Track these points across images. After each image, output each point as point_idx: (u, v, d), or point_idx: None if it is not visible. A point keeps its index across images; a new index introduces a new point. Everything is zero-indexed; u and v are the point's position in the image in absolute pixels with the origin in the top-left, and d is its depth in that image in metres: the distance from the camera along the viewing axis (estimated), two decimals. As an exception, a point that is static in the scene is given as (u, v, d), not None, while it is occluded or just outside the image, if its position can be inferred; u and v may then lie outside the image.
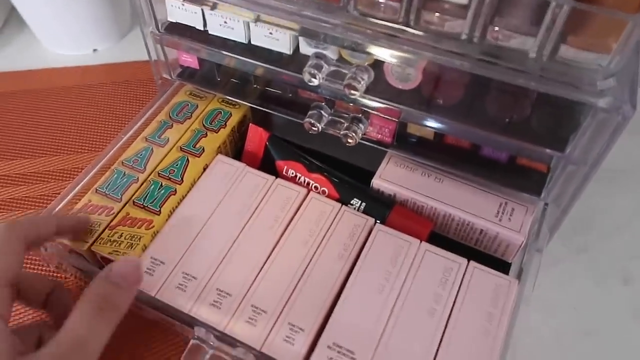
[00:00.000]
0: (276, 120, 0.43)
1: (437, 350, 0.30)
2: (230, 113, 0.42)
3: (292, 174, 0.39)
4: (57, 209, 0.35)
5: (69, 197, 0.36)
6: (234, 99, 0.42)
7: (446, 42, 0.30)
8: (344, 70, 0.33)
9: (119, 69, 0.53)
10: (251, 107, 0.42)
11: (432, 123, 0.34)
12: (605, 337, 0.35)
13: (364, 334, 0.30)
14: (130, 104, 0.50)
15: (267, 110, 0.40)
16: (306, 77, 0.33)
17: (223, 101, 0.43)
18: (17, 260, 0.27)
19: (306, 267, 0.33)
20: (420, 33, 0.30)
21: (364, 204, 0.37)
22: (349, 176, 0.39)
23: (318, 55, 0.33)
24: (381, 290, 0.32)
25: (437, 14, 0.29)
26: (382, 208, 0.36)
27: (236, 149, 0.43)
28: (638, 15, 0.25)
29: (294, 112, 0.39)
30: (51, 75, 0.53)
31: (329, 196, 0.37)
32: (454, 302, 0.31)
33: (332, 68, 0.33)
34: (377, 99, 0.34)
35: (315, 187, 0.38)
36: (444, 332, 0.30)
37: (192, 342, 0.31)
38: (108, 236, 0.34)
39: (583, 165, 0.30)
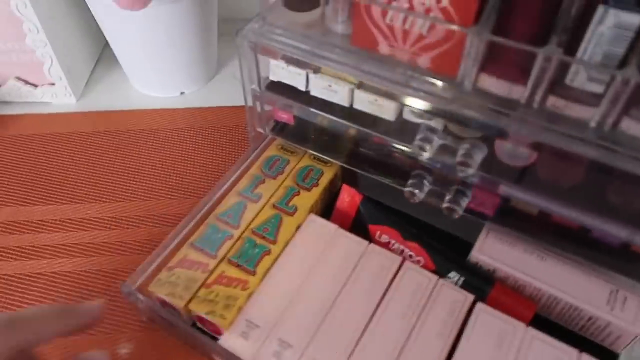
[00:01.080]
0: (365, 180, 0.42)
1: None
2: (322, 171, 0.41)
3: (386, 239, 0.38)
4: (158, 260, 0.36)
5: (170, 246, 0.37)
6: (326, 157, 0.41)
7: (569, 126, 0.29)
8: (454, 146, 0.32)
9: (205, 113, 0.54)
10: (343, 167, 0.41)
11: (542, 204, 0.32)
12: None
13: None
14: (216, 151, 0.51)
15: (360, 171, 0.40)
16: (416, 150, 0.33)
17: (315, 158, 0.42)
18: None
19: (405, 343, 0.32)
20: (541, 114, 0.29)
21: (462, 278, 0.35)
22: (443, 245, 0.38)
23: (429, 129, 0.32)
24: (487, 378, 0.30)
25: (564, 100, 0.28)
26: (483, 284, 0.35)
27: (325, 208, 0.42)
28: None
29: (388, 175, 0.38)
30: (140, 116, 0.54)
31: (424, 266, 0.36)
32: (566, 398, 0.30)
33: (442, 142, 0.33)
34: (486, 175, 0.33)
35: (410, 256, 0.37)
36: None
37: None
38: (204, 295, 0.34)
39: None
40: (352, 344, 0.32)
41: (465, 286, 0.35)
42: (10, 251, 0.43)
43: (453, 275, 0.35)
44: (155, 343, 0.37)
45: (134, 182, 0.48)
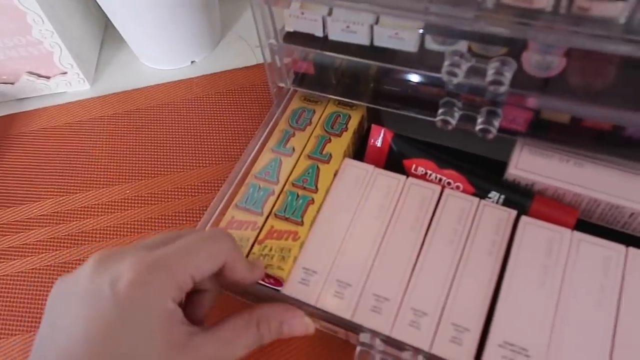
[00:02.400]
0: (392, 117, 0.42)
1: (613, 342, 0.29)
2: (349, 115, 0.42)
3: (422, 171, 0.38)
4: (207, 226, 0.37)
5: (216, 213, 0.37)
6: (350, 101, 0.41)
7: (596, 26, 0.28)
8: (483, 66, 0.32)
9: (220, 78, 0.54)
10: (367, 107, 0.41)
11: (576, 110, 0.32)
12: None
13: (533, 330, 0.30)
14: (239, 113, 0.51)
15: (387, 109, 0.40)
16: (445, 77, 0.32)
17: (339, 104, 0.42)
18: (213, 266, 0.28)
19: (457, 266, 0.33)
20: (567, 19, 0.29)
21: (502, 196, 0.36)
22: (479, 168, 0.38)
23: (456, 54, 0.32)
24: (542, 285, 0.31)
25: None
26: (523, 199, 0.36)
27: (358, 151, 0.43)
28: None
29: (415, 108, 0.39)
30: (156, 91, 0.54)
31: (464, 191, 0.37)
32: (620, 291, 0.31)
33: (470, 64, 0.33)
34: (519, 91, 0.33)
35: (449, 183, 0.37)
36: (616, 324, 0.30)
37: (359, 348, 0.32)
38: (259, 251, 0.35)
39: None
40: (407, 275, 0.33)
41: (506, 203, 0.36)
42: (61, 240, 0.44)
43: (493, 194, 0.36)
44: (218, 303, 0.39)
45: (164, 157, 0.49)
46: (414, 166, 0.39)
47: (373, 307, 0.32)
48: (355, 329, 0.32)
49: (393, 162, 0.40)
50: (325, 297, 0.33)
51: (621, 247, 0.32)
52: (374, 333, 0.31)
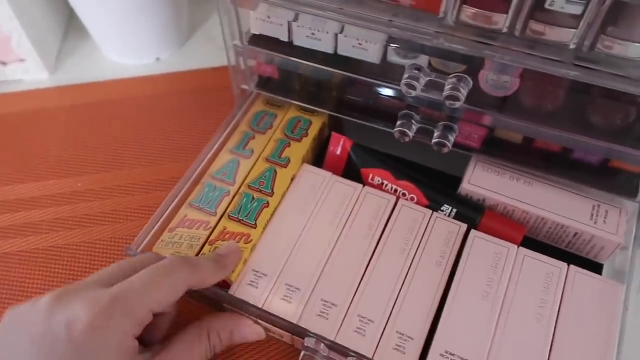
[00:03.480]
0: (353, 126, 0.43)
1: (549, 356, 0.30)
2: (310, 121, 0.41)
3: (379, 181, 0.39)
4: (158, 222, 0.36)
5: (168, 210, 0.36)
6: (312, 107, 0.41)
7: (548, 50, 0.29)
8: (440, 81, 0.33)
9: (184, 77, 0.53)
10: (329, 114, 0.42)
11: (527, 130, 0.33)
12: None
13: (474, 341, 0.30)
14: (201, 113, 0.50)
15: (348, 118, 0.40)
16: (404, 88, 0.33)
17: (301, 109, 0.42)
18: (174, 298, 0.28)
19: (406, 275, 0.33)
20: (522, 42, 0.30)
21: (454, 210, 0.36)
22: (433, 181, 0.39)
23: (415, 67, 0.33)
24: (486, 297, 0.32)
25: (546, 24, 0.28)
26: (474, 213, 0.36)
27: (317, 157, 0.43)
28: None
29: (375, 119, 0.39)
30: (118, 85, 0.53)
31: (418, 202, 0.37)
32: (560, 306, 0.31)
33: (428, 78, 0.33)
34: (471, 107, 0.33)
35: (404, 194, 0.38)
36: (553, 338, 0.30)
37: (302, 353, 0.31)
38: (209, 251, 0.34)
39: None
40: (356, 282, 0.33)
41: (457, 217, 0.36)
42: (5, 230, 0.42)
43: (446, 207, 0.37)
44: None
45: (121, 151, 0.47)
46: (370, 175, 0.39)
47: (320, 312, 0.32)
48: (301, 333, 0.31)
49: (351, 171, 0.40)
50: (273, 300, 0.33)
51: (563, 265, 0.33)
52: (319, 338, 0.31)
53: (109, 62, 0.56)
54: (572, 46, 0.29)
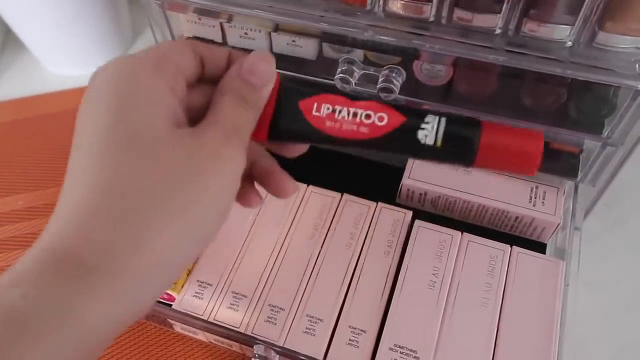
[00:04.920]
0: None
1: (496, 340, 0.29)
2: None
3: (329, 109, 0.24)
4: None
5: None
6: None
7: (477, 37, 0.29)
8: (374, 73, 0.32)
9: (127, 85, 0.51)
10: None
11: (464, 115, 0.33)
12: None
13: (422, 332, 0.29)
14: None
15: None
16: (338, 83, 0.32)
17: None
18: (193, 55, 0.22)
19: (354, 270, 0.32)
20: (452, 30, 0.29)
21: (442, 121, 0.22)
22: (374, 175, 0.37)
23: (348, 61, 0.32)
24: (432, 286, 0.31)
25: (470, 11, 0.28)
26: (468, 126, 0.22)
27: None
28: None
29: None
30: (60, 98, 0.50)
31: (389, 121, 0.23)
32: (504, 289, 0.31)
33: (363, 72, 0.32)
34: (409, 98, 0.33)
35: (368, 116, 0.23)
36: (499, 321, 0.30)
37: None
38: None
39: (621, 146, 0.30)
40: (304, 284, 0.32)
41: (448, 137, 0.22)
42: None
43: (431, 119, 0.23)
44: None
45: (64, 166, 0.45)
46: (315, 105, 0.24)
47: (268, 318, 0.31)
48: (249, 341, 0.30)
49: (286, 109, 0.24)
50: (220, 310, 0.31)
51: (506, 247, 0.32)
52: (268, 344, 0.30)
53: (49, 75, 0.53)
54: (498, 31, 0.28)
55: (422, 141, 0.23)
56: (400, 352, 0.29)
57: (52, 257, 0.17)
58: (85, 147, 0.20)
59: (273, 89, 0.24)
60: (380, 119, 0.23)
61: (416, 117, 0.23)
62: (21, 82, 0.52)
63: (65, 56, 0.51)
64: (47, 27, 0.47)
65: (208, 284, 0.32)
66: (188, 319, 0.30)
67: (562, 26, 0.27)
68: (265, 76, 0.23)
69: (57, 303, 0.16)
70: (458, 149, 0.22)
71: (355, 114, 0.24)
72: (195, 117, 0.22)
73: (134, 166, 0.18)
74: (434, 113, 0.23)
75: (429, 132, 0.23)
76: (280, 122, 0.24)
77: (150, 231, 0.18)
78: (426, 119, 0.23)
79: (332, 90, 0.33)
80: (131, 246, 0.17)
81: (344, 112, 0.24)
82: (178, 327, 0.33)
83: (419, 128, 0.23)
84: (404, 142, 0.23)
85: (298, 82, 0.34)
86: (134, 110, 0.19)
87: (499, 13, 0.27)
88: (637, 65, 0.27)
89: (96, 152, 0.19)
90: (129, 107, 0.19)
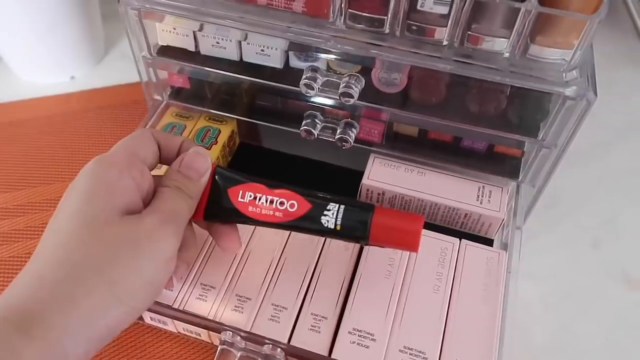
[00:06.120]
0: (262, 131, 0.43)
1: (446, 321, 0.31)
2: (219, 130, 0.41)
3: (251, 196, 0.30)
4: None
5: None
6: (220, 116, 0.42)
7: (428, 48, 0.31)
8: (336, 80, 0.34)
9: (101, 94, 0.52)
10: (239, 121, 0.42)
11: (418, 122, 0.35)
12: (584, 296, 0.39)
13: (380, 316, 0.31)
14: (119, 128, 0.48)
15: (257, 122, 0.40)
16: (303, 89, 0.34)
17: (210, 119, 0.42)
18: (153, 145, 0.29)
19: (317, 262, 0.34)
20: (405, 41, 0.32)
21: (342, 206, 0.29)
22: (336, 177, 0.39)
23: (312, 69, 0.34)
24: (388, 276, 0.33)
25: (419, 23, 0.30)
26: (363, 211, 0.29)
27: (228, 166, 0.43)
28: (595, 16, 0.27)
29: (284, 121, 0.40)
30: (31, 105, 0.50)
31: (299, 208, 0.29)
32: (454, 277, 0.33)
33: (325, 79, 0.34)
34: (368, 104, 0.35)
35: (282, 203, 0.30)
36: (449, 305, 0.32)
37: (219, 348, 0.31)
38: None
39: (554, 148, 0.33)
40: (270, 275, 0.33)
41: (346, 218, 0.29)
42: None
43: (332, 206, 0.29)
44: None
45: (35, 170, 0.45)
46: (240, 193, 0.30)
47: (235, 307, 0.32)
48: (217, 328, 0.31)
49: (217, 196, 0.30)
50: (189, 300, 0.32)
51: (456, 240, 0.35)
52: (235, 330, 0.31)
53: (21, 83, 0.53)
54: (445, 43, 0.31)
55: (325, 225, 0.29)
56: (359, 335, 0.30)
57: (7, 310, 0.22)
58: (58, 221, 0.25)
59: (208, 186, 0.30)
60: (292, 205, 0.30)
61: (320, 205, 0.29)
62: (-7, 90, 0.52)
63: (36, 64, 0.51)
64: (20, 36, 0.48)
65: (180, 278, 0.33)
66: (158, 308, 0.31)
67: (500, 39, 0.30)
68: (201, 170, 0.29)
69: (2, 344, 0.21)
70: (354, 231, 0.29)
71: (272, 201, 0.30)
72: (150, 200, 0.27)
73: (86, 242, 0.24)
74: (336, 201, 0.29)
75: (330, 218, 0.29)
76: (213, 207, 0.30)
77: (81, 295, 0.22)
78: (328, 207, 0.29)
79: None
80: (66, 305, 0.22)
81: (263, 199, 0.30)
82: (147, 319, 0.34)
83: (322, 215, 0.29)
84: (311, 226, 0.29)
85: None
86: (98, 201, 0.25)
87: (445, 27, 0.30)
88: (564, 74, 0.30)
89: (65, 227, 0.25)
90: (95, 198, 0.25)
